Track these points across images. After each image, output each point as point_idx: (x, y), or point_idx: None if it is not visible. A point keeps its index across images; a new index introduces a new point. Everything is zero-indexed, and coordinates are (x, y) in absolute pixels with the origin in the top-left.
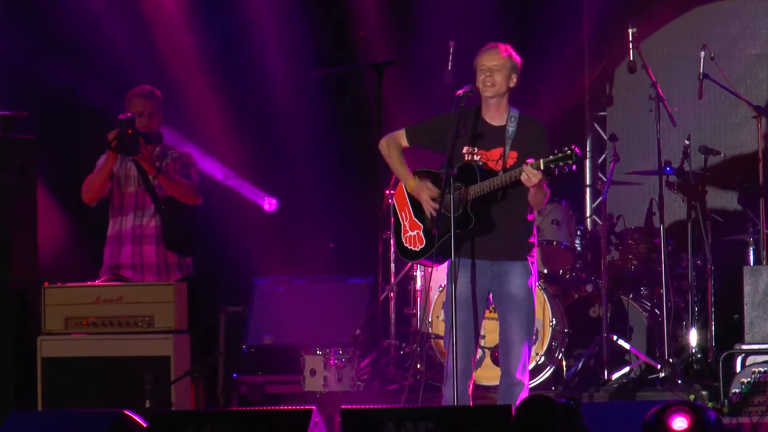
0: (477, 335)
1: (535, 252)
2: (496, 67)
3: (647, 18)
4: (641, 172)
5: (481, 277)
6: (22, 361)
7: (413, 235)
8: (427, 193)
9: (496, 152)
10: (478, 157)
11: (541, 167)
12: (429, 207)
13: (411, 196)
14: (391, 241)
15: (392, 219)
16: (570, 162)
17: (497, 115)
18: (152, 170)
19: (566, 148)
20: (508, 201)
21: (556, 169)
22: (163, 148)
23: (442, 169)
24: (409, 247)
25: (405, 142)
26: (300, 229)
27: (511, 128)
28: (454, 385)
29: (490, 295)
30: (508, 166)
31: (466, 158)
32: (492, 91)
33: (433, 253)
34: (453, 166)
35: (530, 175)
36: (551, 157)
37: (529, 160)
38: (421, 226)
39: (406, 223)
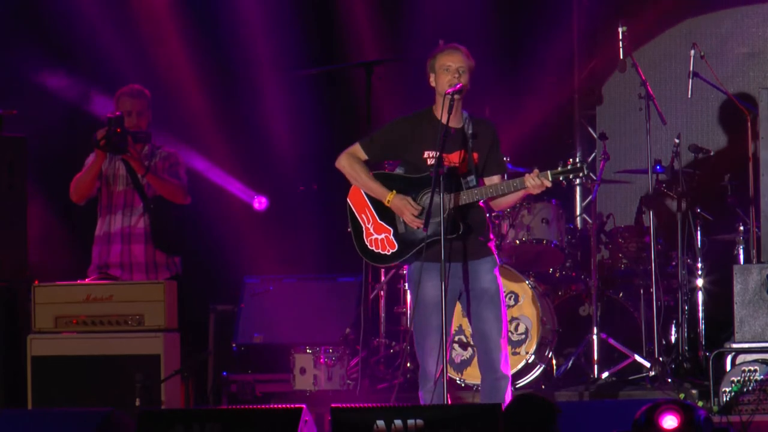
0: (449, 337)
1: (494, 244)
2: (463, 69)
3: (637, 17)
4: (631, 170)
5: (452, 278)
6: (11, 360)
7: (380, 239)
8: (410, 210)
9: (458, 155)
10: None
11: (550, 178)
12: (415, 224)
13: (373, 199)
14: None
15: (349, 221)
16: (580, 174)
17: (454, 117)
18: (141, 169)
19: (576, 161)
20: (473, 203)
21: (564, 181)
22: (152, 147)
23: (431, 168)
24: (378, 251)
25: (363, 156)
26: (290, 227)
27: (468, 130)
28: (444, 386)
29: (459, 296)
30: (474, 167)
31: (428, 162)
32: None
33: (409, 257)
34: (443, 165)
35: (535, 185)
36: (560, 168)
37: (531, 173)
38: (390, 229)
39: (368, 226)
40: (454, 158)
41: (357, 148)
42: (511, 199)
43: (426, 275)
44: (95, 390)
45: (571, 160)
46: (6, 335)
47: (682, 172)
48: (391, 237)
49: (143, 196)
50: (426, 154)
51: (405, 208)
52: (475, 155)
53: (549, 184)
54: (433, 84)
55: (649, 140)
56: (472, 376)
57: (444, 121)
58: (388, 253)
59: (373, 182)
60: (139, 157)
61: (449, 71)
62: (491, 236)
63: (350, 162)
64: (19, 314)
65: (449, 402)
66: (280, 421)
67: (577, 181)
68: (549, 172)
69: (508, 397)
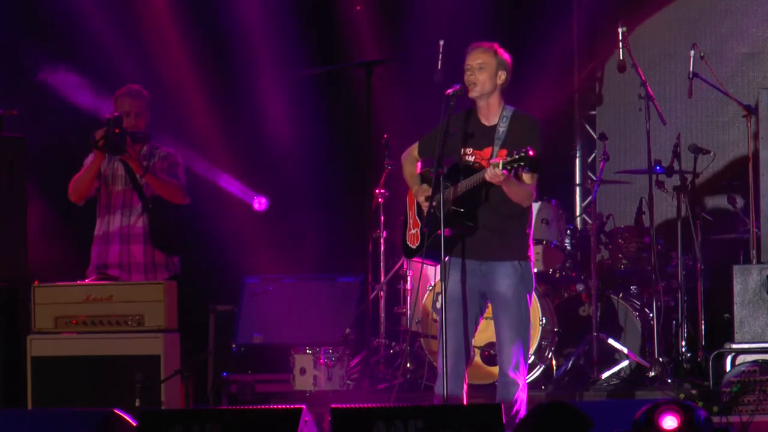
0: (468, 335)
1: (531, 252)
2: (479, 66)
3: (637, 17)
4: (631, 171)
5: (472, 276)
6: (11, 360)
7: (414, 233)
8: (422, 195)
9: (487, 151)
10: (473, 157)
11: (500, 167)
12: (425, 207)
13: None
14: (381, 240)
15: (402, 217)
16: (522, 164)
17: (489, 113)
18: (139, 169)
19: (522, 151)
20: (497, 201)
21: (513, 171)
22: (150, 147)
23: (430, 168)
24: (410, 245)
25: (416, 155)
26: (290, 227)
27: (502, 127)
28: (444, 385)
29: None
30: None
31: (466, 158)
32: (476, 90)
33: (423, 252)
34: (443, 165)
35: (492, 175)
36: (508, 158)
37: (492, 160)
38: (419, 224)
39: (410, 222)
40: (484, 154)
41: (413, 147)
42: (510, 195)
43: (450, 270)
44: (95, 390)
45: (524, 150)
46: (6, 335)
47: (681, 172)
48: (418, 232)
49: (142, 196)
50: (463, 151)
51: (419, 195)
52: (503, 152)
53: (499, 172)
54: None
55: (649, 140)
56: (473, 376)
57: (445, 121)
58: (414, 247)
59: (410, 179)
60: (138, 157)
61: (466, 71)
62: (526, 241)
63: (405, 160)
64: (19, 314)
65: (464, 397)
66: (279, 422)
67: (522, 169)
68: (501, 161)
69: (517, 404)
